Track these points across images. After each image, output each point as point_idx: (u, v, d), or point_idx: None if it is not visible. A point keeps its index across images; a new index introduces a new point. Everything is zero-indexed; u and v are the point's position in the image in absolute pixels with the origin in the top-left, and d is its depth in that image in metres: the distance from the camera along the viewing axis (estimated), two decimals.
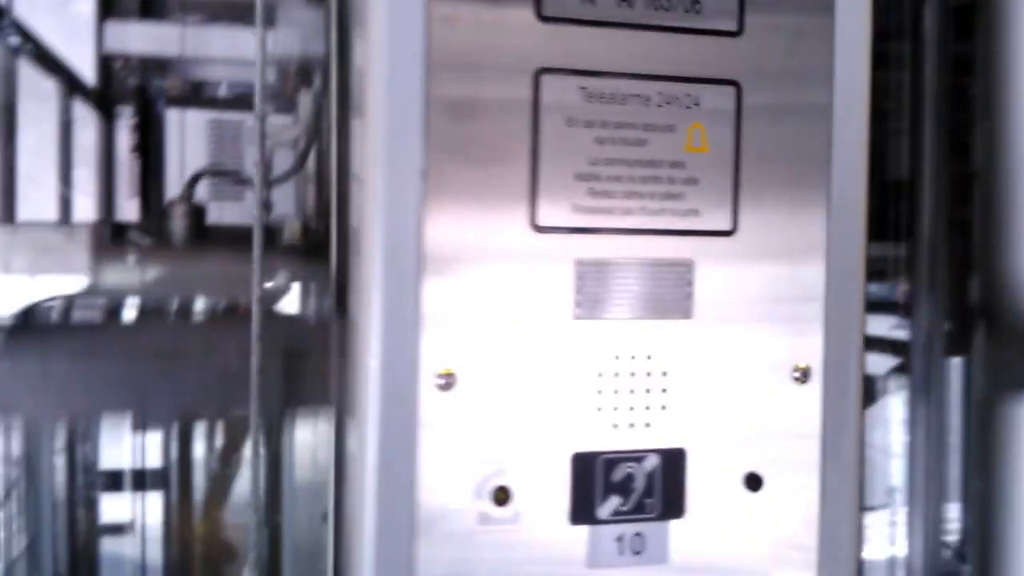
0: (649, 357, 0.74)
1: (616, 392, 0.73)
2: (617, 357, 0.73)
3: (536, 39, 0.70)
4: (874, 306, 1.31)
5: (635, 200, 0.73)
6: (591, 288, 0.72)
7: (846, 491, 0.77)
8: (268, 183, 0.92)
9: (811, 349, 0.77)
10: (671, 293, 0.74)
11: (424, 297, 0.69)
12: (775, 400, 0.76)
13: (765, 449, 0.76)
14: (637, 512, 0.74)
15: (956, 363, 1.38)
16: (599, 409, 0.73)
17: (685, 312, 0.74)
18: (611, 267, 0.72)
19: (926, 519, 1.31)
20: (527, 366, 0.71)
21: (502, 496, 0.70)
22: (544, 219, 0.71)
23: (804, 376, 0.76)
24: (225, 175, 1.88)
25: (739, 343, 0.75)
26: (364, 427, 0.68)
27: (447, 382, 0.69)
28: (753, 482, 0.75)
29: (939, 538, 1.33)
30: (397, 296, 0.68)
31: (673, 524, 0.74)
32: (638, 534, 0.74)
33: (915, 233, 1.31)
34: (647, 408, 0.74)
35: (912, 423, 1.33)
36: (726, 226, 0.75)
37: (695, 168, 0.74)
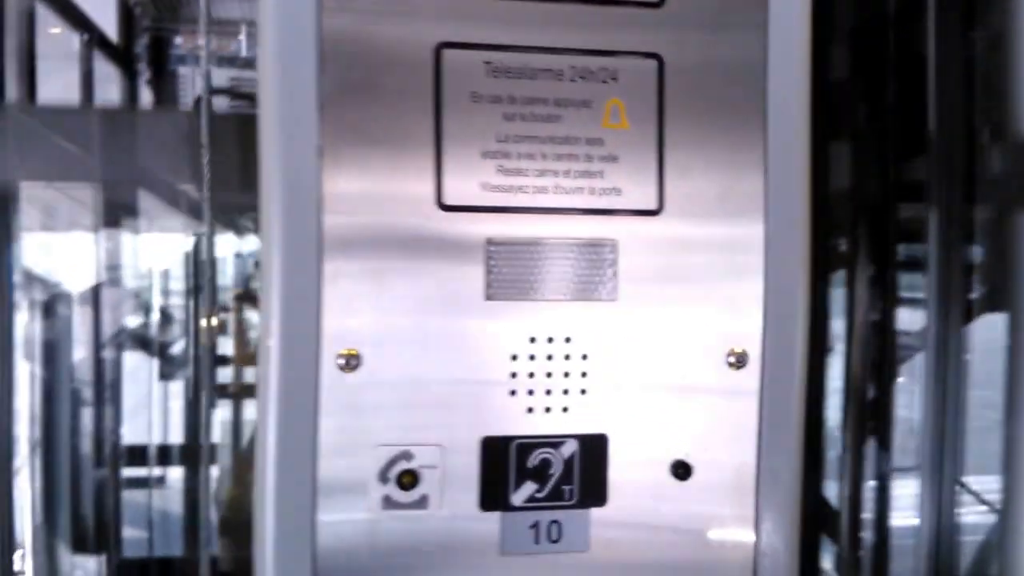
0: (568, 340, 0.71)
1: (532, 376, 0.71)
2: (533, 340, 0.70)
3: (437, 12, 0.68)
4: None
5: (549, 178, 0.70)
6: (504, 268, 0.70)
7: (784, 486, 0.73)
8: None
9: (749, 332, 0.72)
10: (592, 275, 0.71)
11: (326, 277, 0.68)
12: (708, 386, 0.72)
13: (696, 437, 0.72)
14: (554, 499, 0.71)
15: None
16: (513, 393, 0.71)
17: (608, 294, 0.71)
18: (525, 247, 0.70)
19: None
20: (436, 348, 0.69)
21: (408, 480, 0.69)
22: (451, 198, 0.69)
23: (740, 361, 0.72)
24: None
25: (668, 326, 0.71)
26: (265, 407, 0.68)
27: (350, 363, 0.68)
28: (681, 470, 0.72)
29: None
30: (296, 276, 0.68)
31: (594, 512, 0.72)
32: (555, 522, 0.71)
33: None
34: (565, 392, 0.71)
35: None
36: (651, 205, 0.71)
37: (615, 145, 0.70)
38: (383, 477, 0.69)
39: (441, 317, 0.69)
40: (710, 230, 0.71)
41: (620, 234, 0.71)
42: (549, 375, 0.71)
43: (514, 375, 0.70)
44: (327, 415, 0.68)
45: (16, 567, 1.48)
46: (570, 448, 0.71)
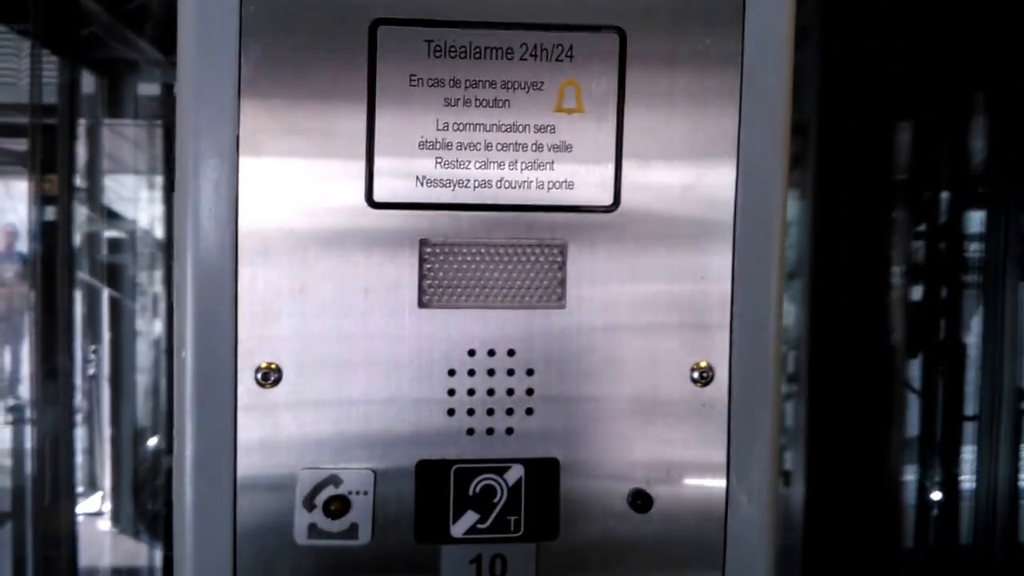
0: (511, 353, 0.64)
1: (472, 393, 0.63)
2: (472, 352, 0.63)
3: None
4: None
5: (493, 171, 0.63)
6: (440, 272, 0.63)
7: (756, 520, 0.65)
8: None
9: (716, 346, 0.64)
10: (538, 279, 0.63)
11: (243, 284, 0.61)
12: (670, 406, 0.64)
13: (657, 464, 0.64)
14: (498, 531, 0.64)
15: None
16: (451, 413, 0.63)
17: (556, 301, 0.63)
18: (464, 248, 0.63)
19: None
20: (365, 362, 0.62)
21: (336, 507, 0.63)
22: (382, 194, 0.62)
23: (706, 377, 0.64)
24: None
25: (623, 338, 0.64)
26: (182, 425, 0.62)
27: (270, 377, 0.62)
28: (640, 501, 0.64)
29: None
30: (209, 283, 0.61)
31: (544, 546, 0.64)
32: (499, 556, 0.64)
33: None
34: (509, 412, 0.64)
35: None
36: (605, 200, 0.63)
37: (568, 132, 0.63)
38: (309, 504, 0.62)
39: (369, 326, 0.62)
40: (673, 227, 0.64)
41: (571, 232, 0.63)
42: (491, 392, 0.64)
43: (452, 392, 0.63)
44: (246, 433, 0.62)
45: None
46: (516, 473, 0.64)
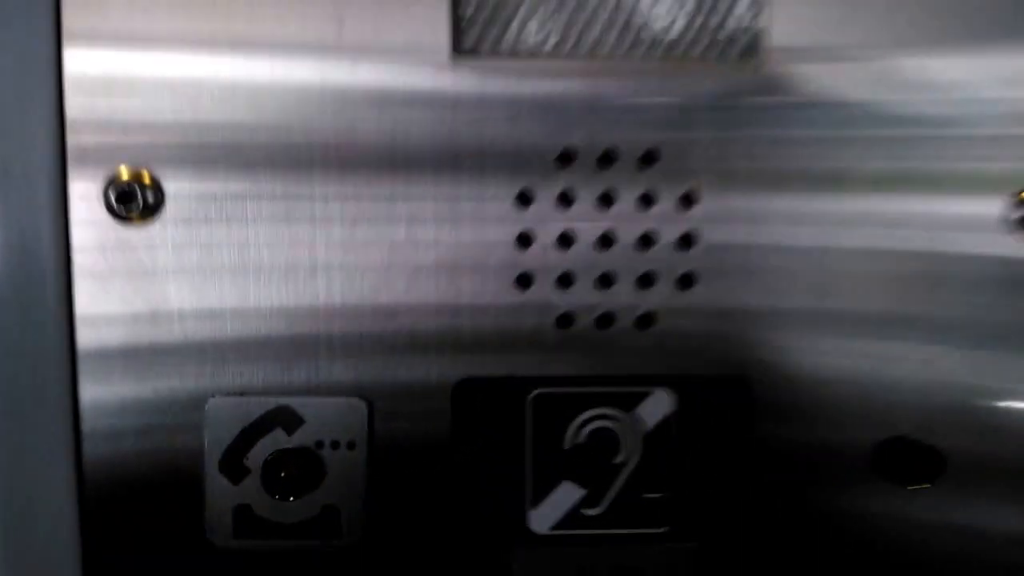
0: (650, 158, 0.30)
1: (567, 243, 0.31)
2: (566, 157, 0.30)
3: None
4: None
5: None
6: None
7: None
8: None
9: None
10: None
11: None
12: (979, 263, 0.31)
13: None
14: (622, 520, 0.32)
15: None
16: (523, 281, 0.31)
17: (739, 54, 0.29)
18: None
19: None
20: (341, 158, 0.30)
21: (292, 473, 0.31)
22: None
23: None
24: None
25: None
26: None
27: (136, 197, 0.29)
28: (917, 462, 0.31)
29: None
30: None
31: (708, 549, 0.32)
32: (625, 570, 0.32)
33: None
34: (645, 282, 0.31)
35: None
36: None
37: None
38: (234, 466, 0.30)
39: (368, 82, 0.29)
40: None
41: None
42: (607, 242, 0.30)
43: (525, 240, 0.30)
44: (90, 331, 0.30)
45: None
46: (659, 406, 0.31)
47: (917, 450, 0.31)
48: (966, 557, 0.32)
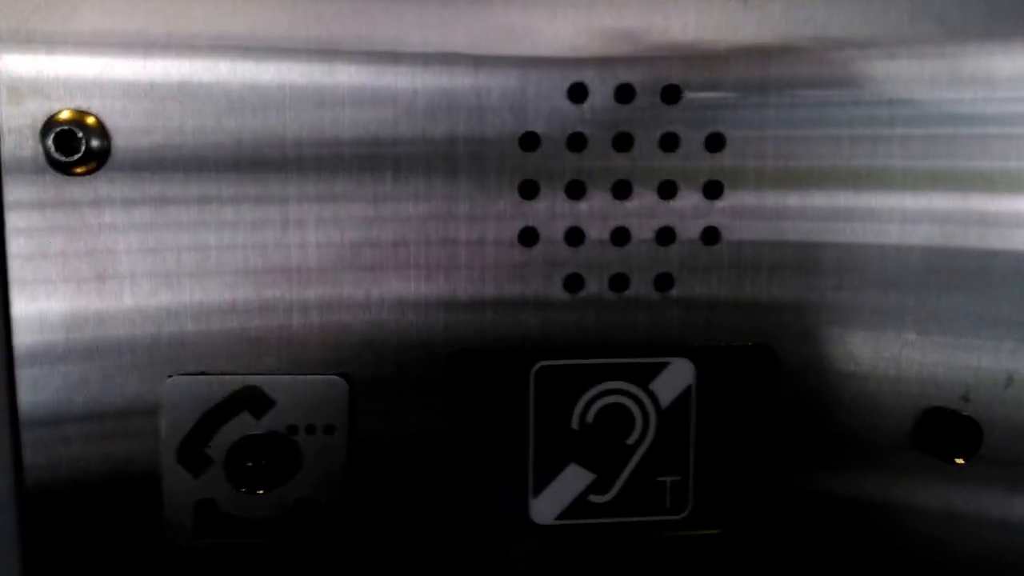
0: (672, 94, 0.27)
1: (577, 193, 0.27)
2: (578, 92, 0.27)
3: None
4: None
5: None
6: None
7: None
8: None
9: None
10: None
11: None
12: None
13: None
14: (635, 508, 0.28)
15: None
16: (527, 237, 0.27)
17: None
18: None
19: None
20: (319, 97, 0.26)
21: (260, 463, 0.27)
22: None
23: None
24: None
25: None
26: None
27: (80, 144, 0.25)
28: (952, 435, 0.28)
29: None
30: None
31: (730, 538, 0.29)
32: (638, 560, 0.28)
33: None
34: (665, 238, 0.28)
35: None
36: None
37: None
38: (193, 454, 0.27)
39: None
40: None
41: None
42: (623, 191, 0.27)
43: (530, 190, 0.27)
44: (25, 300, 0.26)
45: None
46: (677, 379, 0.28)
47: (956, 421, 0.28)
48: (996, 545, 0.29)
